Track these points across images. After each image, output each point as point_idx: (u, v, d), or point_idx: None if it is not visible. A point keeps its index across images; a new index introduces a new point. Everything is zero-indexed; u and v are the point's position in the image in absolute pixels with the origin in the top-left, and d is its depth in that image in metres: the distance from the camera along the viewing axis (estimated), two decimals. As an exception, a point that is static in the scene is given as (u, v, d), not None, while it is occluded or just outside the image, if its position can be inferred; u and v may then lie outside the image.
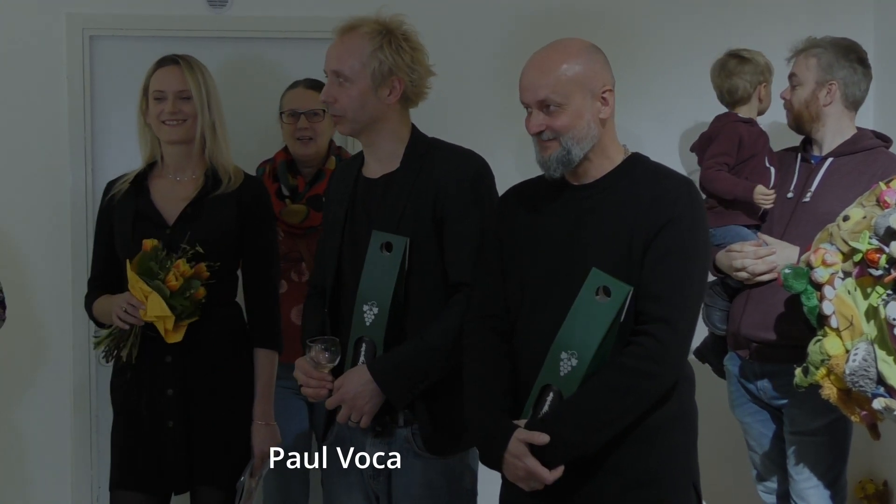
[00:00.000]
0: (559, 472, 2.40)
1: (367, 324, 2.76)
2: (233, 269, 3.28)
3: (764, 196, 3.41)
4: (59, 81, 4.14)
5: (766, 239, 3.37)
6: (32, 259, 4.07)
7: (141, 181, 3.24)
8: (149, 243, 3.08)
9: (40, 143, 4.16)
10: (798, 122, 3.48)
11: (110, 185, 3.31)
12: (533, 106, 2.50)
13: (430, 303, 2.79)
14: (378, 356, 2.76)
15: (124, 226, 3.21)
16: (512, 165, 3.82)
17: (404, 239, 2.74)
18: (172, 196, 3.22)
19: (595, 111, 2.47)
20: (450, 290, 2.79)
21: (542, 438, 2.38)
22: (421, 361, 2.75)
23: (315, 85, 3.77)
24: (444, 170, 2.80)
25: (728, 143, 3.55)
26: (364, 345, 2.78)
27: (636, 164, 2.53)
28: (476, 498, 2.95)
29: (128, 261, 3.10)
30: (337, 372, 2.81)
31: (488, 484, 2.82)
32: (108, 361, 3.23)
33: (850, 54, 3.42)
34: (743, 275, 3.35)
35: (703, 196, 3.45)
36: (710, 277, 3.30)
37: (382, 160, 2.87)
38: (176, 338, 3.09)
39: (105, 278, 3.27)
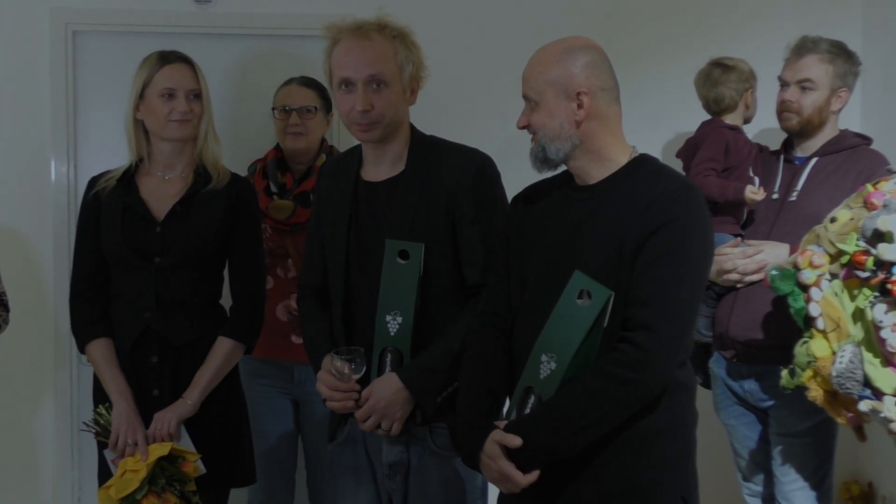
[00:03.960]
0: (533, 475, 2.37)
1: (392, 334, 2.75)
2: (219, 269, 3.25)
3: (754, 195, 3.40)
4: (42, 76, 4.12)
5: (749, 241, 3.37)
6: (13, 254, 4.04)
7: (129, 178, 3.21)
8: (191, 467, 3.06)
9: (22, 139, 4.13)
10: (806, 125, 3.43)
11: (93, 181, 3.26)
12: (524, 100, 2.51)
13: (450, 306, 2.79)
14: (406, 364, 2.76)
15: (112, 222, 3.17)
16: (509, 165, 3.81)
17: (420, 245, 2.72)
18: (161, 193, 3.19)
19: (569, 113, 2.44)
20: (468, 290, 2.79)
21: (515, 441, 2.36)
22: (447, 364, 2.73)
23: (308, 83, 3.77)
24: (454, 171, 2.79)
25: (715, 148, 3.54)
26: (389, 354, 2.77)
27: (640, 167, 2.48)
28: (487, 495, 2.93)
29: (167, 444, 3.04)
30: (361, 382, 2.79)
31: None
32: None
33: (854, 59, 3.44)
34: (734, 276, 3.33)
35: None
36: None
37: (387, 163, 2.85)
38: (104, 499, 3.06)
39: (93, 279, 3.21)
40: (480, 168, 2.81)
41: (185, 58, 3.19)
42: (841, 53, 3.42)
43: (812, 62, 3.41)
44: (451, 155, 2.84)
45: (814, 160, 3.40)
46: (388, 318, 2.74)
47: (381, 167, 2.85)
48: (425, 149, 2.84)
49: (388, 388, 2.74)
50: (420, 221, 2.76)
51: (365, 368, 2.76)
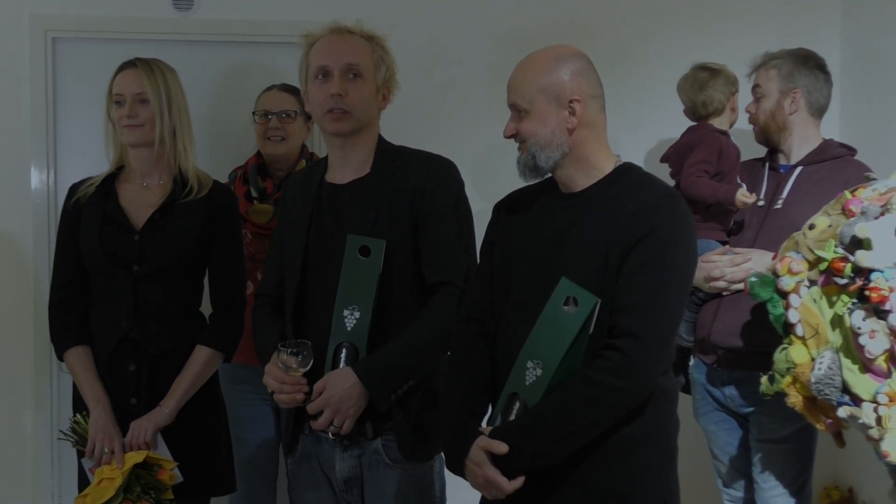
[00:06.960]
0: (519, 482, 2.37)
1: (349, 328, 2.74)
2: (198, 277, 3.24)
3: (745, 198, 3.41)
4: (22, 83, 4.10)
5: (736, 250, 3.37)
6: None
7: (108, 185, 3.20)
8: (167, 475, 3.04)
9: (2, 145, 4.11)
10: (765, 133, 3.50)
11: (74, 187, 3.25)
12: (510, 109, 2.51)
13: (410, 304, 2.80)
14: (361, 358, 2.74)
15: (91, 229, 3.15)
16: (485, 173, 3.82)
17: (381, 242, 2.73)
18: (140, 201, 3.17)
19: (561, 120, 2.44)
20: (428, 290, 2.80)
21: (501, 448, 2.36)
22: (404, 361, 2.75)
23: (289, 89, 3.78)
24: (418, 174, 2.83)
25: (709, 151, 3.55)
26: (344, 349, 2.76)
27: (624, 175, 2.49)
28: None
29: (143, 452, 3.02)
30: (311, 377, 2.77)
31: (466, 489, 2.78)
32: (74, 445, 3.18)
33: (809, 62, 3.45)
34: (721, 284, 3.33)
35: None
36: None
37: (353, 166, 2.87)
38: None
39: (72, 287, 3.19)
40: (443, 172, 2.87)
41: (136, 62, 3.17)
42: (788, 57, 3.46)
43: (760, 72, 3.49)
44: (416, 159, 2.89)
45: (798, 169, 3.42)
46: (346, 312, 2.74)
47: (346, 170, 2.88)
48: (392, 154, 2.89)
49: (342, 382, 2.72)
50: (383, 221, 2.79)
51: (312, 362, 2.75)
